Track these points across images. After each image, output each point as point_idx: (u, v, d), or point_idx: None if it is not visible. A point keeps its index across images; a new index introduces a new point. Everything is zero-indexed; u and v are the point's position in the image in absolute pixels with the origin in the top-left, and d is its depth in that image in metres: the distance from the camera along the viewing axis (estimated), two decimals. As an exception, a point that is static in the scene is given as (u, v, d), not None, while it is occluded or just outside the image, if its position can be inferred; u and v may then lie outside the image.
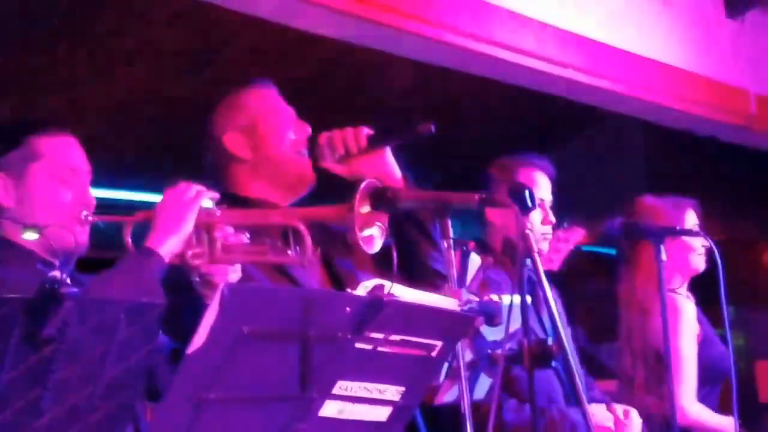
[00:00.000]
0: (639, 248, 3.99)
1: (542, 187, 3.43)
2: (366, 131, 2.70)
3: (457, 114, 5.60)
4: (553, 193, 3.51)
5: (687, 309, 3.95)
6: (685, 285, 4.08)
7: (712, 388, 4.01)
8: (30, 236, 2.35)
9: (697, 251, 4.00)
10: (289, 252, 2.49)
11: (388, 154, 2.74)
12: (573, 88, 4.58)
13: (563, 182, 3.56)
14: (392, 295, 2.07)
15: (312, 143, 2.74)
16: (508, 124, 5.73)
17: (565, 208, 3.58)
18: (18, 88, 4.92)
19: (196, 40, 5.08)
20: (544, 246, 3.40)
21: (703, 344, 3.96)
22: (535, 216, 3.34)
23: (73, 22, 4.82)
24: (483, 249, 3.08)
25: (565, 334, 2.69)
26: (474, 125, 5.78)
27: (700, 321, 4.03)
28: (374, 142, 2.69)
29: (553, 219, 3.43)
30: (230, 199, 2.68)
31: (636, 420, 3.53)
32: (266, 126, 2.78)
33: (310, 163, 2.74)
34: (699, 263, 4.03)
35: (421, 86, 5.28)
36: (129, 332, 1.89)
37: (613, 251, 4.21)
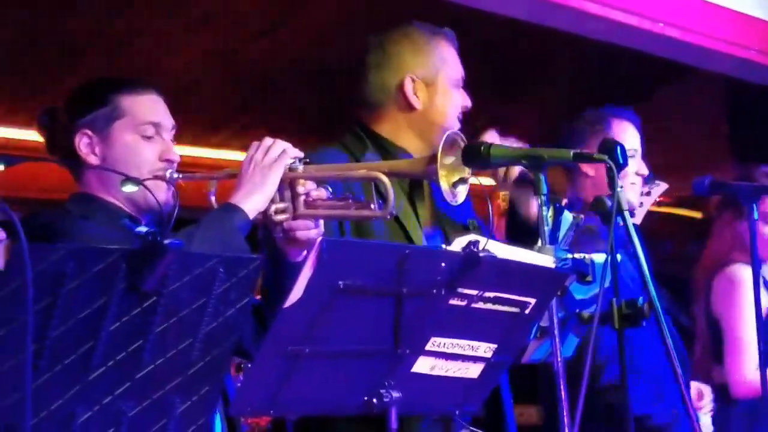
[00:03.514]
0: (723, 210, 3.92)
1: (632, 139, 3.37)
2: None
3: (546, 69, 5.55)
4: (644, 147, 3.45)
5: (748, 279, 3.85)
6: None
7: None
8: (129, 189, 2.36)
9: None
10: (372, 206, 2.47)
11: None
12: (662, 43, 4.51)
13: (650, 138, 3.50)
14: (487, 250, 2.04)
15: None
16: (592, 79, 5.66)
17: (655, 164, 3.52)
18: (103, 49, 4.97)
19: (273, 2, 5.07)
20: (634, 197, 3.34)
21: None
22: (631, 166, 3.29)
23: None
24: (575, 205, 3.04)
25: (656, 293, 2.64)
26: (561, 80, 5.72)
27: None
28: (521, 181, 2.71)
29: (644, 171, 3.37)
30: (373, 139, 2.75)
31: (708, 399, 3.49)
32: (445, 84, 2.79)
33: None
34: None
35: (509, 41, 5.24)
36: (226, 286, 1.89)
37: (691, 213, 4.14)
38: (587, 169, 3.29)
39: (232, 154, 6.02)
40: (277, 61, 5.34)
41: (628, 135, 3.34)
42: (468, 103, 2.83)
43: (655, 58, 4.77)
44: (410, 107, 2.80)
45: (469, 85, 2.88)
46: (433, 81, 2.80)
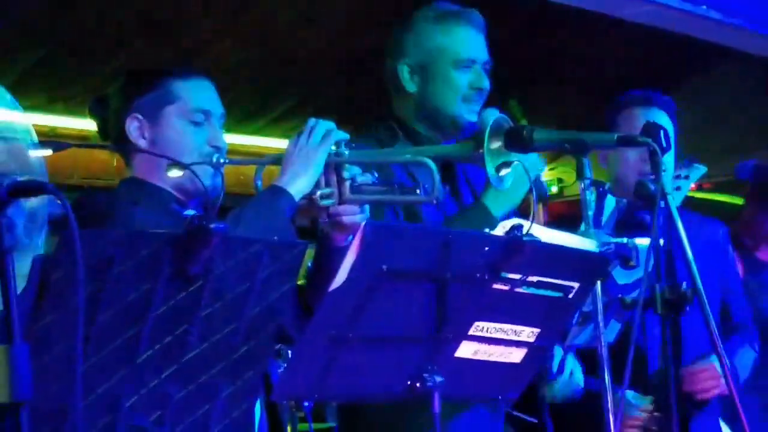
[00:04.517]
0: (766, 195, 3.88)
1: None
2: None
3: (582, 52, 5.51)
4: (676, 133, 3.41)
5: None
6: None
7: None
8: (175, 173, 2.37)
9: None
10: (417, 191, 2.47)
11: None
12: (704, 26, 4.47)
13: (684, 123, 3.46)
14: (531, 234, 2.03)
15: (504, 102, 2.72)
16: (631, 62, 5.61)
17: (688, 150, 3.48)
18: (142, 38, 4.99)
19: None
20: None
21: None
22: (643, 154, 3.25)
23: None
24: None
25: (700, 278, 2.62)
26: (597, 64, 5.68)
27: None
28: None
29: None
30: (403, 128, 2.76)
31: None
32: (446, 67, 2.77)
33: (473, 112, 2.72)
34: None
35: (544, 24, 5.21)
36: (270, 270, 1.90)
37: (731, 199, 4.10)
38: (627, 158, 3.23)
39: (269, 141, 6.04)
40: (315, 48, 5.34)
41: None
42: (482, 83, 2.77)
43: (692, 42, 4.73)
44: (408, 93, 2.80)
45: (506, 63, 2.84)
46: (429, 65, 2.78)
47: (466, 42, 2.79)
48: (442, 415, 2.07)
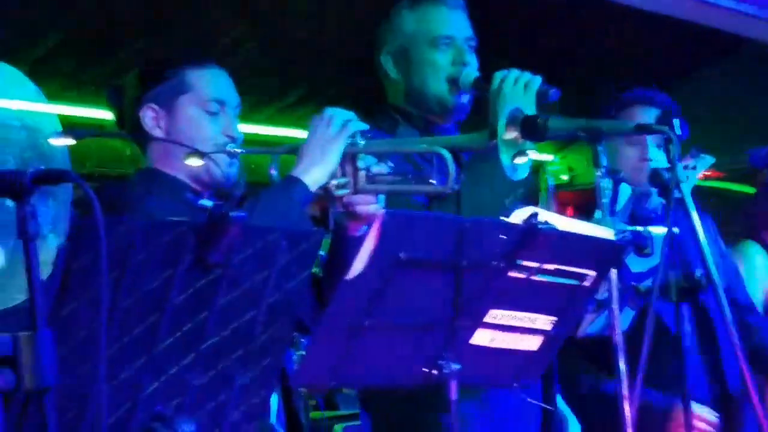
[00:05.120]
0: None
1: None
2: None
3: (596, 44, 5.52)
4: (687, 123, 3.39)
5: (756, 258, 3.78)
6: None
7: None
8: (192, 162, 2.38)
9: None
10: (432, 181, 2.48)
11: None
12: (719, 15, 4.46)
13: (696, 113, 3.44)
14: (546, 222, 2.04)
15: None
16: (643, 49, 5.60)
17: (699, 140, 3.47)
18: (152, 26, 4.99)
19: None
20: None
21: None
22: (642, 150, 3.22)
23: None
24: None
25: (714, 266, 2.63)
26: (609, 52, 5.68)
27: None
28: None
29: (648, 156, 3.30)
30: (394, 112, 2.78)
31: None
32: (423, 48, 2.76)
33: (459, 94, 2.71)
34: None
35: (554, 14, 5.20)
36: (288, 259, 1.91)
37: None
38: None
39: (279, 130, 6.05)
40: (325, 38, 5.34)
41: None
42: (464, 58, 2.74)
43: (704, 31, 4.72)
44: (394, 80, 2.81)
45: (516, 56, 2.83)
46: (408, 50, 2.78)
47: (440, 20, 2.78)
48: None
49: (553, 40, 5.50)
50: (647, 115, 3.21)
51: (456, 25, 2.79)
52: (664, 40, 5.40)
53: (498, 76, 2.57)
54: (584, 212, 2.46)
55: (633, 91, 3.30)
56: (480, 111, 2.67)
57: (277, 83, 5.81)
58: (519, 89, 2.50)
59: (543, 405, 2.60)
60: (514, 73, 2.56)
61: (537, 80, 2.55)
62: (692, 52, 5.56)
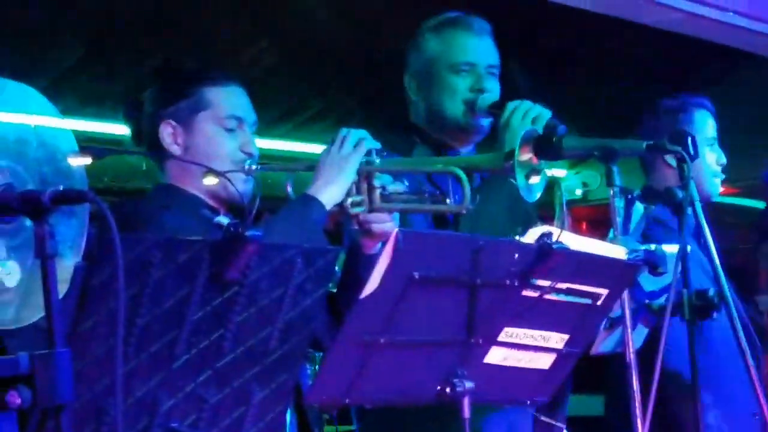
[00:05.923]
0: None
1: (712, 129, 3.33)
2: None
3: (608, 60, 5.50)
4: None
5: None
6: None
7: None
8: (210, 180, 2.41)
9: None
10: (447, 200, 2.49)
11: None
12: (731, 33, 4.46)
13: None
14: (560, 242, 2.05)
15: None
16: (651, 67, 5.60)
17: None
18: (171, 40, 5.02)
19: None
20: (715, 189, 3.30)
21: None
22: (709, 156, 3.26)
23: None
24: (648, 197, 3.02)
25: (727, 284, 2.64)
26: (620, 70, 5.67)
27: None
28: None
29: (724, 159, 3.33)
30: (414, 132, 2.82)
31: None
32: (441, 73, 2.80)
33: (475, 116, 2.74)
34: None
35: (570, 31, 5.20)
36: (304, 276, 1.92)
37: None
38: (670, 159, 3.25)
39: (300, 145, 6.06)
40: (346, 50, 5.36)
41: (708, 125, 3.31)
42: (482, 85, 2.78)
43: (718, 48, 4.71)
44: (415, 102, 2.87)
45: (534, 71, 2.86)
46: (429, 73, 2.83)
47: (463, 46, 2.82)
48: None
49: (553, 40, 5.49)
50: (703, 117, 3.25)
51: (479, 52, 2.82)
52: (680, 57, 5.41)
53: (509, 107, 2.61)
54: (599, 228, 2.47)
55: (682, 96, 3.33)
56: (496, 133, 2.70)
57: (296, 98, 5.83)
58: (527, 123, 2.54)
59: (553, 422, 2.61)
60: (525, 105, 2.59)
61: (546, 114, 2.58)
62: (706, 68, 5.55)
